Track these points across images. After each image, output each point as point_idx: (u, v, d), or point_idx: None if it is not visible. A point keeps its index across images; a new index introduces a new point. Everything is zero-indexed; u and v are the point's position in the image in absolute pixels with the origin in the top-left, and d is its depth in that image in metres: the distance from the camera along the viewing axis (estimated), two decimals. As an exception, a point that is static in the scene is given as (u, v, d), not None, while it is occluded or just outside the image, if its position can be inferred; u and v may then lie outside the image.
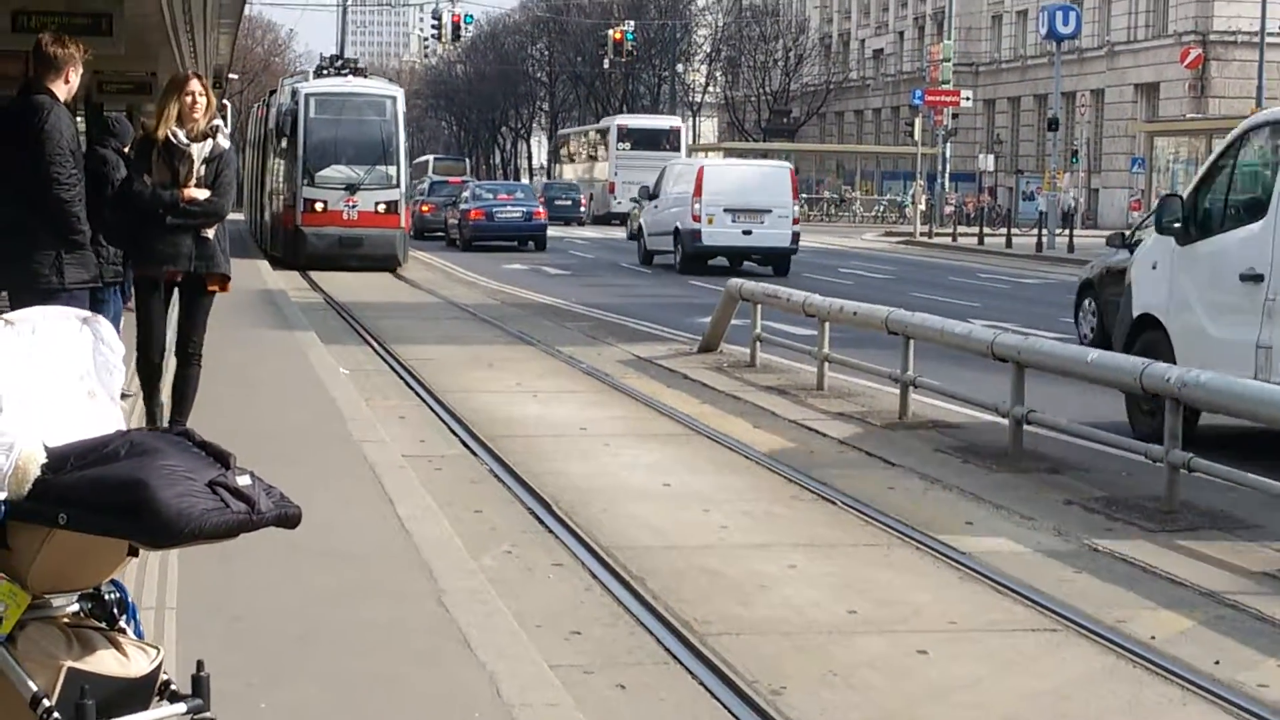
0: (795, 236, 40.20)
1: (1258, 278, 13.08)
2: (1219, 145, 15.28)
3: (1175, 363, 12.63)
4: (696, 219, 39.22)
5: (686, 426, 15.12)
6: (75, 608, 5.10)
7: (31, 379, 5.13)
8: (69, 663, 4.90)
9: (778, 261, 39.44)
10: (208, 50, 35.89)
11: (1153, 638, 8.37)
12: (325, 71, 42.88)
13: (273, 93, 47.84)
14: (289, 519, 4.95)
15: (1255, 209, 13.68)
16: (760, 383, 17.99)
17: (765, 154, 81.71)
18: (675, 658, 7.87)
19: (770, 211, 39.50)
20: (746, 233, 39.40)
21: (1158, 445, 11.58)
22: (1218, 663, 8.01)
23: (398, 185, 37.90)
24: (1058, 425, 13.39)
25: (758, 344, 19.63)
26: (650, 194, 44.15)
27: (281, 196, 39.18)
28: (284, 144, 39.00)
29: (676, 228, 40.59)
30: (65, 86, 9.42)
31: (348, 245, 36.48)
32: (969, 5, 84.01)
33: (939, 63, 67.17)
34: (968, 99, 68.45)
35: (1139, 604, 9.09)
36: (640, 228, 45.57)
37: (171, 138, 10.26)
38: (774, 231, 39.49)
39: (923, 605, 8.96)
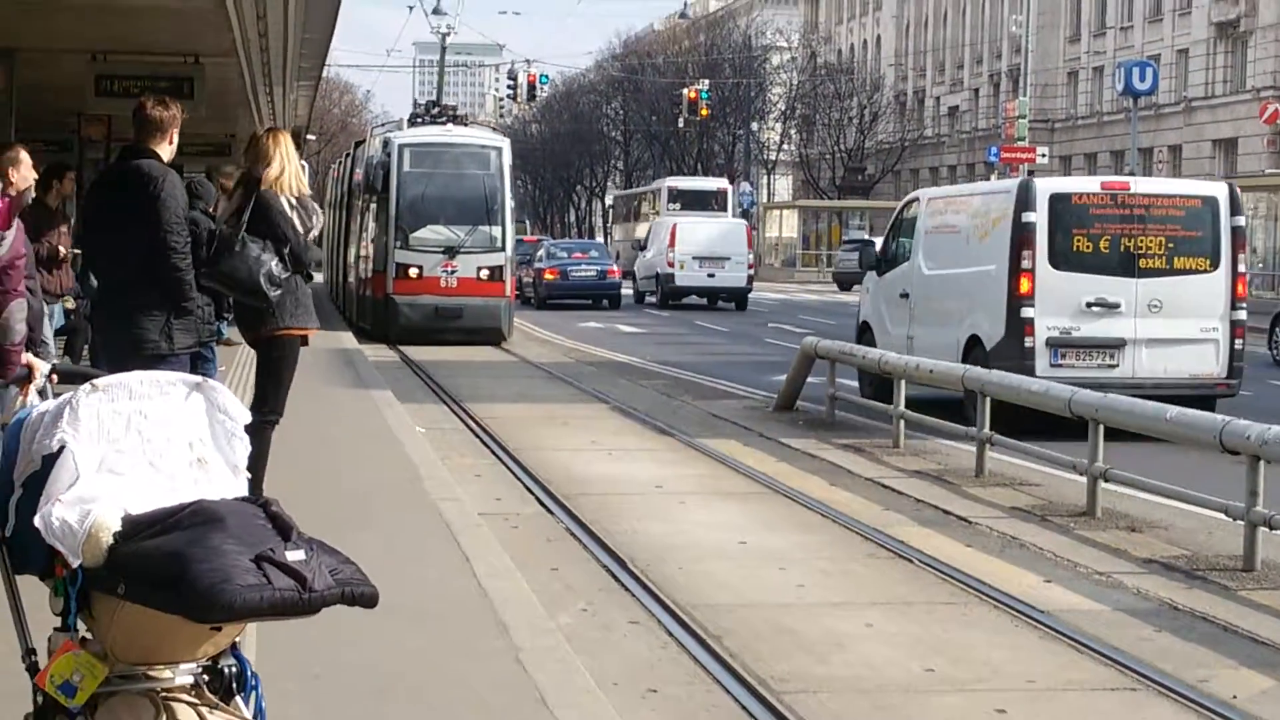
0: (750, 278, 54.60)
1: (906, 295, 21.89)
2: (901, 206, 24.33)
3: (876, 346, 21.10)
4: (671, 265, 53.35)
5: (763, 484, 15.12)
6: (188, 680, 5.11)
7: (124, 445, 5.17)
8: (142, 742, 4.93)
9: (737, 298, 53.48)
10: (285, 111, 35.90)
11: (1234, 697, 8.32)
12: (420, 120, 37.72)
13: (359, 144, 43.27)
14: (359, 599, 4.85)
15: (907, 253, 22.39)
16: (837, 441, 17.96)
17: (840, 212, 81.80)
18: (752, 716, 7.85)
19: (729, 259, 53.34)
20: (711, 275, 53.16)
21: (1238, 503, 11.52)
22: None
23: (503, 248, 33.29)
24: (1136, 482, 13.32)
25: (834, 402, 19.61)
26: (641, 246, 59.24)
27: (370, 261, 34.74)
28: (373, 201, 34.68)
29: (657, 272, 54.59)
30: (169, 148, 9.51)
31: (446, 316, 32.28)
32: (1044, 62, 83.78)
33: (1015, 119, 66.99)
34: (1044, 155, 68.28)
35: (1220, 663, 9.03)
36: (634, 273, 58.36)
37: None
38: (733, 274, 53.43)
39: (1001, 664, 8.93)
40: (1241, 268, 19.72)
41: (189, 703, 5.01)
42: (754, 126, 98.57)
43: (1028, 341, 18.73)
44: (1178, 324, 19.14)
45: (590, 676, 7.69)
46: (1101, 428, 13.46)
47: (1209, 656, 9.16)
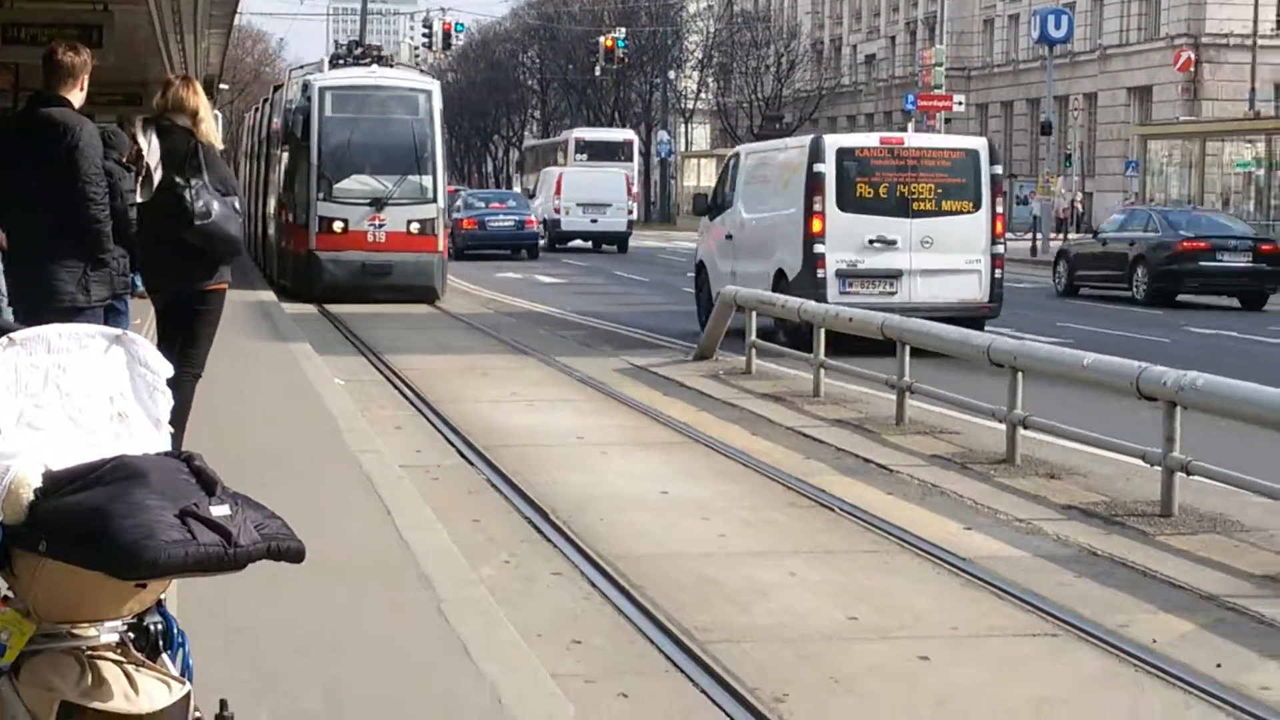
0: (630, 224, 60.63)
1: (730, 237, 25.12)
2: (727, 160, 28.05)
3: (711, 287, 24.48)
4: (557, 211, 59.60)
5: (683, 434, 15.15)
6: (113, 638, 5.07)
7: (43, 399, 5.12)
8: (65, 696, 4.90)
9: (619, 242, 58.87)
10: (197, 59, 35.20)
11: (1154, 641, 8.39)
12: (342, 62, 34.84)
13: (277, 89, 40.72)
14: (285, 553, 4.83)
15: (731, 201, 25.47)
16: (757, 390, 18.01)
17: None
18: (676, 666, 7.86)
19: (611, 205, 59.39)
20: (594, 221, 59.54)
21: (1155, 449, 11.61)
22: (1219, 666, 8.02)
23: (434, 200, 30.68)
24: (1055, 429, 13.40)
25: (753, 351, 19.65)
26: (530, 194, 63.41)
27: (290, 214, 31.76)
28: (293, 150, 31.86)
29: (544, 218, 58.40)
30: (80, 95, 9.34)
31: (373, 274, 29.72)
32: (961, 10, 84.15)
33: (931, 67, 67.40)
34: (960, 104, 68.70)
35: (1139, 608, 9.11)
36: None
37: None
38: (614, 220, 59.73)
39: (923, 611, 8.97)
40: (1000, 209, 23.37)
41: (114, 660, 4.98)
42: (671, 75, 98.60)
43: (820, 273, 22.13)
44: (946, 257, 22.54)
45: (514, 628, 7.68)
46: (1021, 375, 13.54)
47: (1128, 601, 9.23)
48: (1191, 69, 67.51)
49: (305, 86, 31.85)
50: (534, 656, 7.28)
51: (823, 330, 17.61)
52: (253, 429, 13.17)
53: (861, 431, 15.10)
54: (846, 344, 17.61)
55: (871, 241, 22.36)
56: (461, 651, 7.14)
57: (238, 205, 10.07)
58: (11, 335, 5.15)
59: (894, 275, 22.46)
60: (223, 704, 5.12)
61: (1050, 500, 11.97)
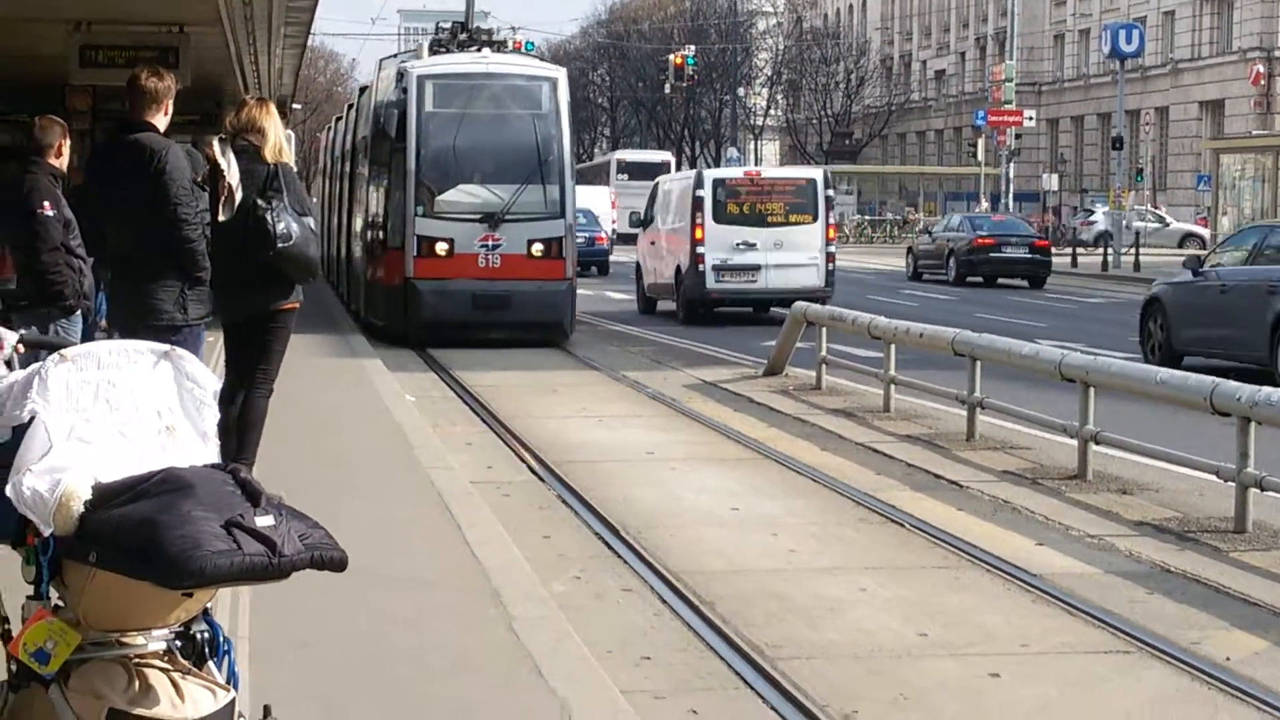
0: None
1: (654, 243, 32.93)
2: (651, 188, 36.00)
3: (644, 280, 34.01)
4: None
5: (753, 450, 15.13)
6: (160, 646, 5.11)
7: (91, 412, 5.16)
8: (113, 703, 4.94)
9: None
10: (271, 80, 35.18)
11: (1228, 659, 8.34)
12: (444, 48, 27.76)
13: (364, 89, 34.33)
14: (328, 563, 4.88)
15: (654, 216, 33.99)
16: (826, 406, 17.97)
17: (830, 178, 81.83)
18: (746, 682, 7.86)
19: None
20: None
21: (1229, 465, 11.52)
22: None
23: (562, 214, 24.91)
24: (1127, 445, 13.32)
25: (823, 367, 19.62)
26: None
27: (382, 235, 25.53)
28: (386, 156, 25.65)
29: None
30: (165, 119, 9.37)
31: (487, 307, 23.98)
32: (1031, 25, 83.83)
33: (1001, 83, 67.03)
34: (1030, 119, 68.31)
35: (1213, 624, 9.04)
36: None
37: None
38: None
39: (994, 628, 8.94)
40: (832, 220, 32.34)
41: (162, 669, 5.02)
42: (740, 92, 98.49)
43: (701, 267, 30.00)
44: (793, 255, 30.28)
45: (584, 644, 7.70)
46: (1092, 390, 13.46)
47: (1202, 618, 9.16)
48: (1264, 82, 67.03)
49: (400, 76, 25.50)
50: (604, 673, 7.29)
51: (893, 347, 17.60)
52: (325, 446, 13.23)
53: (932, 447, 15.04)
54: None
55: (738, 244, 30.18)
56: (532, 668, 7.15)
57: (313, 226, 10.14)
58: (63, 352, 5.22)
59: (755, 268, 30.27)
60: (266, 709, 5.14)
61: (1122, 516, 11.89)
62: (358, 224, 29.65)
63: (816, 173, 33.43)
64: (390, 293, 24.76)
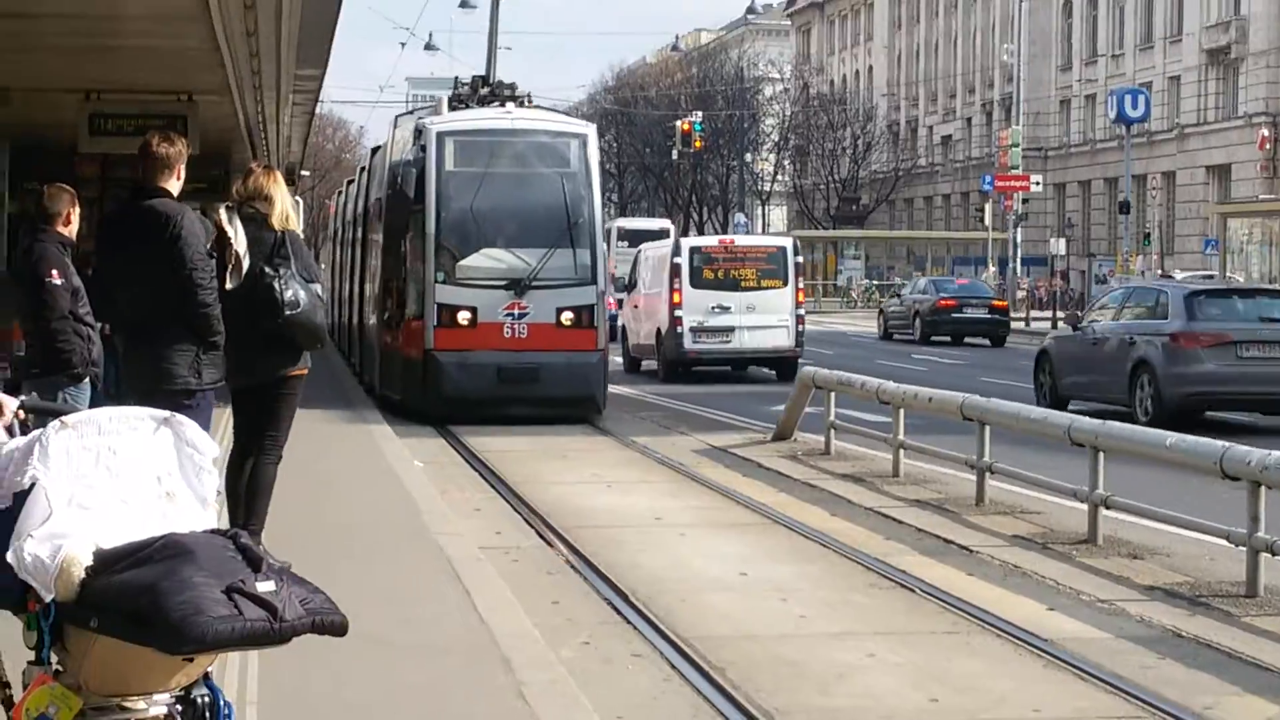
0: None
1: (637, 306, 35.45)
2: (635, 255, 38.57)
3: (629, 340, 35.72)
4: None
5: (762, 515, 15.09)
6: (162, 711, 5.11)
7: (93, 480, 5.17)
8: (113, 773, 4.93)
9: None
10: (280, 147, 35.22)
11: (1241, 724, 8.28)
12: (464, 103, 25.42)
13: (376, 150, 32.25)
14: (329, 627, 4.90)
15: (637, 281, 35.48)
16: (836, 470, 17.95)
17: (835, 242, 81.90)
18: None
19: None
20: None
21: (1239, 529, 11.48)
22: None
23: (593, 280, 22.51)
24: (1138, 509, 13.29)
25: (832, 431, 19.60)
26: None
27: (398, 303, 23.31)
28: (401, 219, 23.34)
29: None
30: (177, 184, 9.37)
31: (514, 381, 21.65)
32: (1036, 90, 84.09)
33: (1008, 148, 67.33)
34: (1037, 183, 68.54)
35: (1225, 690, 9.00)
36: None
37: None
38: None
39: (1005, 693, 8.90)
40: (801, 284, 35.11)
41: (160, 730, 5.03)
42: (748, 158, 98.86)
43: (679, 329, 31.95)
44: (765, 318, 32.25)
45: (594, 710, 7.67)
46: (1102, 455, 13.44)
47: (1214, 683, 9.12)
48: (1269, 146, 67.19)
49: (419, 132, 23.16)
50: None
51: (901, 411, 17.59)
52: (334, 511, 13.22)
53: (941, 512, 15.00)
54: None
55: (713, 308, 32.04)
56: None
57: (321, 293, 10.14)
58: (64, 419, 5.25)
59: (729, 330, 32.23)
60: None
61: (1133, 581, 11.85)
62: (372, 291, 27.49)
63: (787, 241, 36.89)
64: (409, 365, 22.44)
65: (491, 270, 21.93)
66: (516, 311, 21.72)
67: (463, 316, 21.70)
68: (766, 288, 32.77)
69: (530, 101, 25.20)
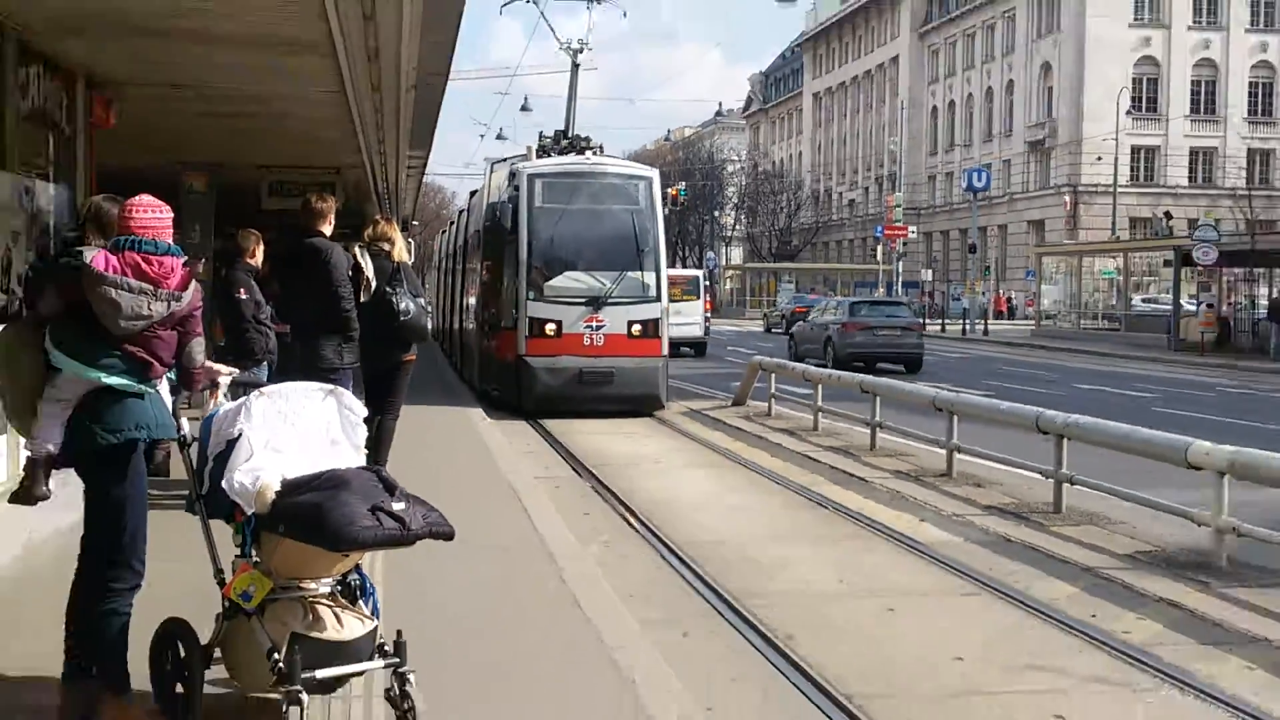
0: None
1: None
2: None
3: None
4: None
5: (726, 457, 15.09)
6: (327, 589, 5.16)
7: (280, 432, 5.22)
8: (295, 628, 4.96)
9: None
10: (398, 204, 34.99)
11: (1047, 600, 8.33)
12: (549, 152, 23.15)
13: (474, 194, 28.90)
14: (441, 535, 4.92)
15: None
16: (775, 426, 17.94)
17: (775, 272, 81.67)
18: (719, 613, 7.89)
19: None
20: None
21: (1048, 466, 11.50)
22: (1094, 615, 7.96)
23: (658, 298, 20.34)
24: (980, 453, 13.27)
25: (773, 400, 19.61)
26: None
27: (496, 316, 20.99)
28: (498, 247, 21.09)
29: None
30: (329, 228, 9.38)
31: (592, 382, 19.66)
32: (913, 167, 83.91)
33: (893, 208, 67.13)
34: (913, 232, 68.35)
35: (1037, 576, 9.04)
36: None
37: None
38: None
39: (891, 577, 8.95)
40: (708, 299, 38.35)
41: (328, 605, 5.10)
42: (716, 214, 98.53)
43: None
44: (684, 318, 33.00)
45: (612, 590, 7.71)
46: (956, 418, 13.46)
47: (1031, 572, 9.15)
48: (1071, 208, 67.01)
49: (513, 175, 20.99)
50: (623, 607, 7.30)
51: (819, 386, 17.64)
52: (436, 456, 13.22)
53: (847, 455, 14.97)
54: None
55: None
56: (574, 603, 7.16)
57: (424, 304, 10.15)
58: (262, 390, 5.30)
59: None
60: (399, 633, 5.16)
61: (977, 502, 11.83)
62: (470, 305, 24.40)
63: (699, 271, 41.49)
64: (504, 367, 20.06)
65: (574, 290, 19.56)
66: (594, 324, 19.42)
67: (549, 328, 19.28)
68: (686, 300, 34.30)
69: (603, 150, 22.63)
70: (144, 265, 5.02)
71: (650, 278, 19.79)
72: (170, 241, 5.16)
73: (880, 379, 16.27)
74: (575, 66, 25.53)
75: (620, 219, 20.07)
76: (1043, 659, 7.08)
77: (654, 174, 20.77)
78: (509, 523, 9.53)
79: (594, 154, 21.85)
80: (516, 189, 20.09)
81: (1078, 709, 6.32)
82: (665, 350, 19.91)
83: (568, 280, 19.59)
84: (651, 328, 19.52)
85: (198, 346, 5.29)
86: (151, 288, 5.02)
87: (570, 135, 23.39)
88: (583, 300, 19.36)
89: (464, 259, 27.08)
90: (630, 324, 19.49)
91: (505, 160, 22.82)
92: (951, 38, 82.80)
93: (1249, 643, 7.45)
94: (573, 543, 8.95)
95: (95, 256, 5.00)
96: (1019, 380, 27.29)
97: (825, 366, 25.45)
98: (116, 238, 5.11)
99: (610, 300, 19.39)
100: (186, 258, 5.19)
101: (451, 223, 36.95)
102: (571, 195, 20.19)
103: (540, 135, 23.46)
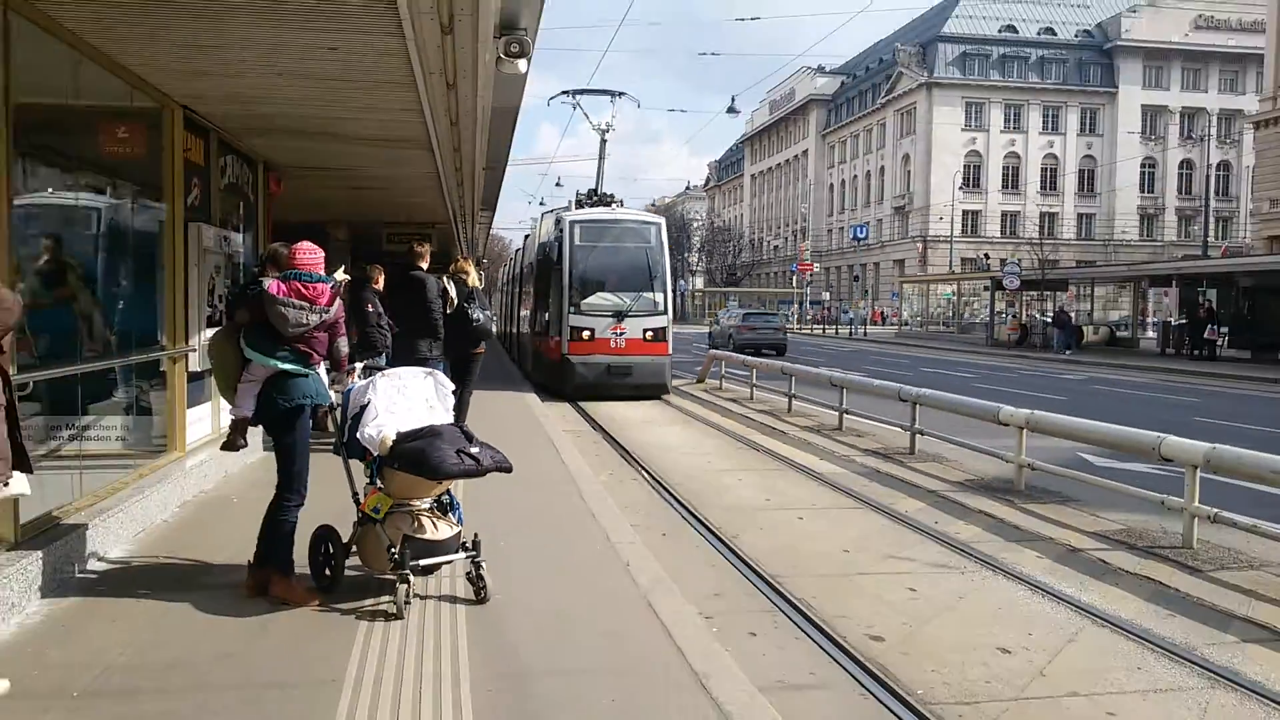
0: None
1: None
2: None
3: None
4: None
5: (690, 417, 15.02)
6: (428, 504, 5.16)
7: (396, 400, 5.22)
8: (406, 531, 4.99)
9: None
10: (473, 245, 34.73)
11: (905, 512, 8.30)
12: (582, 205, 21.97)
13: (527, 236, 27.61)
14: (505, 469, 4.90)
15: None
16: (724, 397, 17.82)
17: (725, 294, 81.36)
18: (686, 521, 7.85)
19: None
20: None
21: (906, 423, 11.43)
22: (936, 522, 7.94)
23: (665, 312, 19.09)
24: (862, 415, 13.19)
25: (723, 379, 19.55)
26: None
27: (546, 325, 19.57)
28: (547, 274, 19.74)
29: None
30: (425, 263, 9.40)
31: (616, 374, 18.35)
32: (818, 224, 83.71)
33: (804, 251, 66.86)
34: (817, 267, 68.06)
35: (898, 496, 8.99)
36: None
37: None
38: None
39: (800, 496, 8.91)
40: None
41: (428, 515, 5.09)
42: (685, 255, 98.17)
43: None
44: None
45: (615, 505, 7.68)
46: (845, 390, 13.39)
47: (894, 494, 9.12)
48: (922, 251, 66.86)
49: (558, 221, 19.71)
50: (623, 518, 7.25)
51: (754, 370, 17.63)
52: (500, 419, 13.19)
53: (772, 416, 14.87)
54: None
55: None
56: (590, 515, 7.15)
57: (491, 315, 10.13)
58: (385, 371, 5.30)
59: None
60: (475, 535, 5.17)
61: (858, 447, 11.72)
62: (527, 317, 22.52)
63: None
64: (552, 363, 18.51)
65: (603, 306, 18.20)
66: (618, 331, 18.01)
67: (585, 334, 17.92)
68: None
69: (624, 204, 21.47)
70: (303, 289, 5.06)
71: (660, 297, 18.52)
72: (322, 273, 5.18)
73: (796, 365, 16.18)
74: (603, 142, 24.28)
75: (637, 254, 18.85)
76: (901, 551, 7.11)
77: (661, 221, 19.66)
78: (547, 462, 9.50)
79: (617, 206, 20.62)
80: (561, 231, 18.85)
81: (924, 583, 6.36)
82: (670, 350, 18.36)
83: (599, 299, 18.43)
84: (661, 334, 18.26)
85: (343, 343, 5.33)
86: (308, 304, 5.05)
87: (600, 193, 21.84)
88: (610, 314, 18.16)
89: (521, 283, 25.63)
90: (645, 331, 18.20)
91: (552, 211, 21.75)
92: (843, 137, 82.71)
93: (1038, 541, 7.49)
94: (590, 477, 8.89)
95: (270, 284, 5.05)
96: (885, 365, 27.22)
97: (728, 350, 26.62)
98: (285, 270, 5.14)
99: (630, 314, 18.17)
100: (334, 283, 5.21)
101: (510, 259, 35.61)
102: (601, 236, 18.93)
103: (578, 193, 22.29)
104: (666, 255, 18.94)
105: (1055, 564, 6.88)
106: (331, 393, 5.38)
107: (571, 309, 18.14)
